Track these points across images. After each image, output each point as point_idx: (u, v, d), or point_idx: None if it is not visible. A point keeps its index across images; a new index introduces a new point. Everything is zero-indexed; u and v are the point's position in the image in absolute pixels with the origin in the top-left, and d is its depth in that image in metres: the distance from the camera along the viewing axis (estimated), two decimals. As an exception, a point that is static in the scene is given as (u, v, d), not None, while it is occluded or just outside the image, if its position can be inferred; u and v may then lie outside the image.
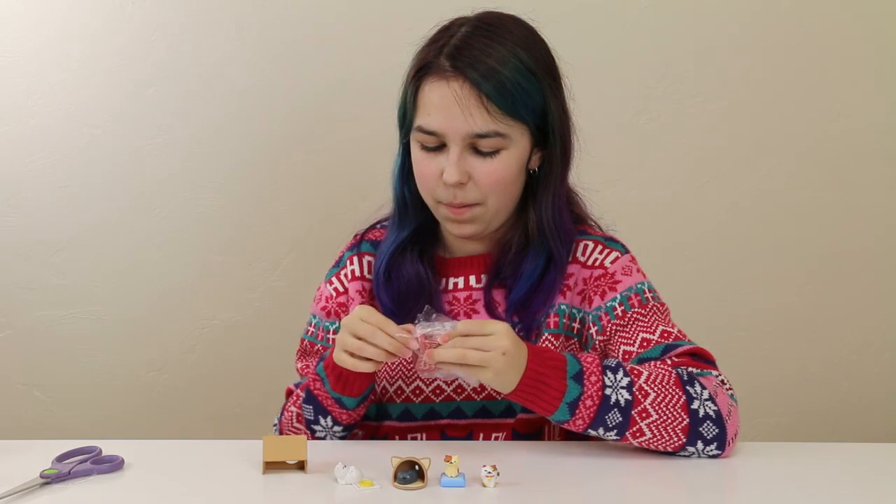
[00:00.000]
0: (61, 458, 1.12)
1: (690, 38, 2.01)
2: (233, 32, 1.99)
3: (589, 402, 1.13)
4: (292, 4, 1.98)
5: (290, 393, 1.38)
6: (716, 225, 2.06)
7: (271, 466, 1.10)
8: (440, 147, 1.24)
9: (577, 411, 1.13)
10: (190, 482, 1.09)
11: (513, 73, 1.21)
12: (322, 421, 1.27)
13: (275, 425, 1.36)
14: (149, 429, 2.04)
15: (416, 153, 1.26)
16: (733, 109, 2.03)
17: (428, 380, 1.31)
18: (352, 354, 1.15)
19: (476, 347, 1.10)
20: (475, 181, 1.23)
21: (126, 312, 2.04)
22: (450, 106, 1.20)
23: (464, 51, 1.22)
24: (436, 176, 1.24)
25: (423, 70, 1.24)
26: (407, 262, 1.31)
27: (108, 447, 1.16)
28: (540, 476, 1.10)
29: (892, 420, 2.10)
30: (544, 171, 1.28)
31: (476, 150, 1.23)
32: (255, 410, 2.05)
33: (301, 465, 1.10)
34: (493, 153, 1.23)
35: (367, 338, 1.14)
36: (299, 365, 1.38)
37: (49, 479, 1.07)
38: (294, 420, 1.30)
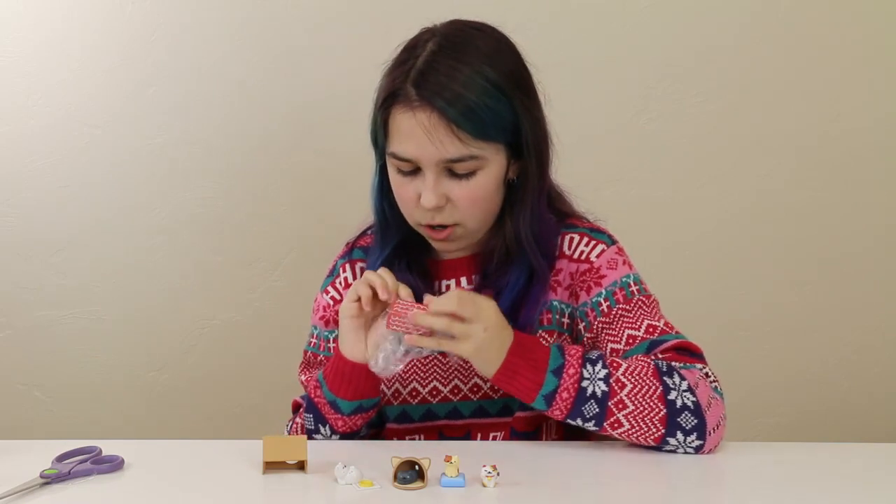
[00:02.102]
0: (61, 458, 1.12)
1: (690, 38, 2.01)
2: (233, 32, 1.99)
3: (565, 395, 1.15)
4: (292, 4, 1.99)
5: (296, 406, 1.38)
6: (716, 225, 2.06)
7: (271, 466, 1.10)
8: (416, 171, 1.23)
9: (554, 402, 1.15)
10: (190, 482, 1.09)
11: (480, 96, 1.18)
12: (322, 429, 1.27)
13: None
14: (149, 429, 2.05)
15: (394, 177, 1.26)
16: (733, 109, 2.03)
17: (424, 381, 1.32)
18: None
19: (463, 317, 1.14)
20: (453, 203, 1.23)
21: (126, 312, 2.05)
22: (419, 136, 1.19)
23: (429, 76, 1.19)
24: (414, 199, 1.23)
25: (389, 98, 1.22)
26: (396, 274, 1.28)
27: (108, 447, 1.15)
28: (540, 476, 1.10)
29: (892, 420, 2.10)
30: (521, 183, 1.27)
31: (452, 173, 1.22)
32: (255, 410, 2.06)
33: (301, 465, 1.10)
34: (469, 175, 1.21)
35: (369, 277, 1.21)
36: (303, 377, 1.37)
37: (49, 479, 1.07)
38: (299, 432, 1.31)
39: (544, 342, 1.26)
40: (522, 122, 1.23)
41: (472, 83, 1.19)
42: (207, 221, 2.03)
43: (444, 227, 1.25)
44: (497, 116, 1.20)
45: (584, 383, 1.15)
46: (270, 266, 2.05)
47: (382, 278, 1.19)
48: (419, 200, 1.23)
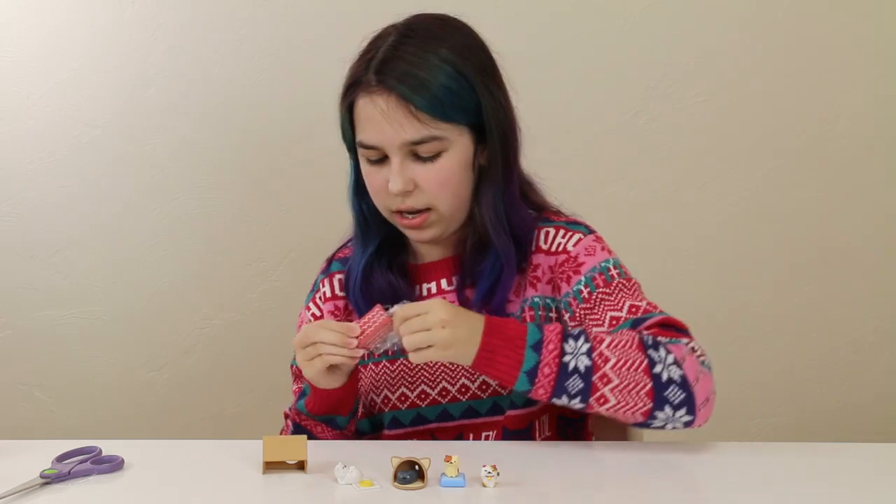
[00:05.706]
0: (61, 458, 1.12)
1: (690, 39, 2.01)
2: (233, 32, 1.99)
3: (547, 370, 1.13)
4: (292, 4, 1.99)
5: (287, 417, 1.39)
6: (716, 225, 2.06)
7: (271, 466, 1.10)
8: (384, 159, 1.24)
9: (537, 379, 1.14)
10: (190, 482, 1.09)
11: (439, 78, 1.21)
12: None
13: None
14: (149, 429, 2.05)
15: (364, 168, 1.27)
16: (733, 109, 2.03)
17: (412, 385, 1.31)
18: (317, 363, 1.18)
19: (417, 329, 1.13)
20: (420, 187, 1.23)
21: (126, 312, 2.05)
22: (379, 120, 1.21)
23: (389, 63, 1.22)
24: (384, 187, 1.24)
25: (352, 88, 1.25)
26: (377, 274, 1.31)
27: (108, 447, 1.16)
28: (540, 476, 1.10)
29: (892, 420, 2.10)
30: (486, 167, 1.27)
31: (417, 157, 1.23)
32: (255, 410, 2.05)
33: (301, 465, 1.10)
34: (434, 157, 1.22)
35: (313, 338, 1.18)
36: (294, 387, 1.39)
37: (49, 479, 1.07)
38: None
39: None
40: (484, 103, 1.24)
41: (430, 65, 1.21)
42: (207, 221, 2.03)
43: (417, 213, 1.25)
44: (456, 97, 1.22)
45: (566, 358, 1.13)
46: (270, 266, 2.05)
47: (335, 344, 1.17)
48: (388, 188, 1.23)
